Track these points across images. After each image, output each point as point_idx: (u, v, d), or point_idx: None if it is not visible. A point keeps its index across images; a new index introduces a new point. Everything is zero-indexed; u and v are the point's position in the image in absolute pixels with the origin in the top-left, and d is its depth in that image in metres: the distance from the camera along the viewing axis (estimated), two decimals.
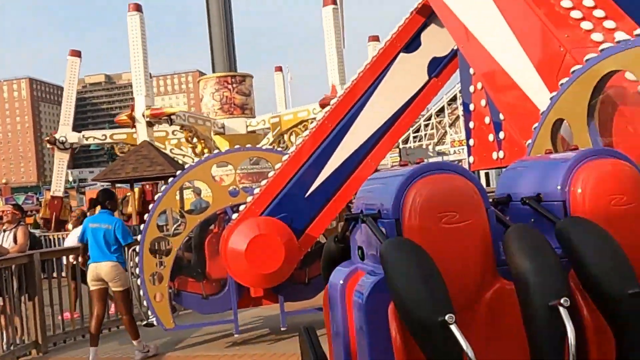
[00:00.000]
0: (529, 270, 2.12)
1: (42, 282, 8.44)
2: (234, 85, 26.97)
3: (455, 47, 7.14)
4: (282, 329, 7.38)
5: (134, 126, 22.86)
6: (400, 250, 2.14)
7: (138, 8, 22.46)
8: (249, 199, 6.94)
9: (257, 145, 25.39)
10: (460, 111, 67.08)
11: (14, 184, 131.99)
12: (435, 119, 70.67)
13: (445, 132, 69.75)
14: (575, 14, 3.69)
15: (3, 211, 8.70)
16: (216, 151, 8.18)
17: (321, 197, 6.88)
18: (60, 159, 25.72)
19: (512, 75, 4.20)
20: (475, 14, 4.71)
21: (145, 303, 7.43)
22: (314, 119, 23.55)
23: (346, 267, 2.83)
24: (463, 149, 51.87)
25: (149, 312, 7.43)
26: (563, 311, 1.98)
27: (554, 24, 3.71)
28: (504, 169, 3.28)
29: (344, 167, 6.91)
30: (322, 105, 23.61)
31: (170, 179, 7.43)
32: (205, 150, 25.43)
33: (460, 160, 49.97)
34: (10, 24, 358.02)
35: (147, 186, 20.71)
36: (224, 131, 26.76)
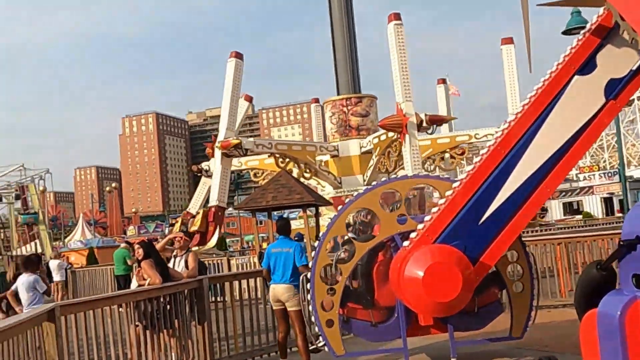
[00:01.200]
0: None
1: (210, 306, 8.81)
2: (350, 107, 27.26)
3: (634, 68, 6.86)
4: (452, 359, 7.25)
5: (213, 156, 24.61)
6: None
7: (238, 55, 24.53)
8: (420, 226, 6.92)
9: (368, 166, 25.69)
10: None
11: (141, 213, 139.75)
12: None
13: None
14: None
15: (175, 237, 9.17)
16: (383, 178, 8.21)
17: (496, 224, 6.74)
18: (204, 184, 27.79)
19: None
20: None
21: (316, 329, 7.53)
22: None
23: (618, 295, 2.72)
24: (593, 175, 49.33)
25: (320, 338, 7.53)
26: None
27: None
28: None
29: (519, 194, 6.76)
30: (381, 126, 23.38)
31: (340, 207, 7.55)
32: (307, 174, 25.93)
33: (590, 187, 47.59)
34: (137, 62, 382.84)
35: (213, 208, 22.91)
36: (338, 153, 27.13)
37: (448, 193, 6.94)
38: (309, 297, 7.40)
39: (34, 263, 9.14)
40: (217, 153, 23.73)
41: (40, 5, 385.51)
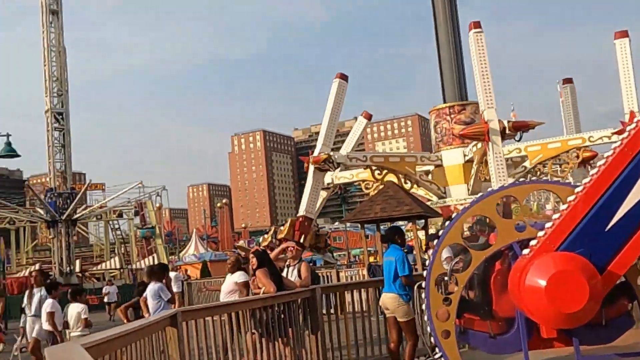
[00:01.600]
0: None
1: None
2: (453, 116, 26.82)
3: None
4: None
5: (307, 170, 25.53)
6: None
7: (342, 77, 25.53)
8: (540, 234, 6.62)
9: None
10: None
11: (250, 228, 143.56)
12: None
13: None
14: None
15: (287, 247, 9.28)
16: (492, 189, 7.94)
17: (624, 230, 6.33)
18: (319, 195, 28.44)
19: None
20: None
21: (432, 340, 7.35)
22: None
23: None
24: None
25: (436, 349, 7.35)
26: None
27: None
28: None
29: None
30: (462, 136, 22.72)
31: (454, 214, 7.36)
32: (406, 186, 25.60)
33: None
34: (245, 81, 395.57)
35: (300, 218, 24.02)
36: (441, 163, 26.69)
37: (570, 198, 6.59)
38: (423, 307, 7.25)
39: (156, 272, 9.56)
40: (311, 167, 24.60)
41: (156, 30, 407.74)
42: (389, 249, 8.09)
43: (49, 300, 10.75)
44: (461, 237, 7.31)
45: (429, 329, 7.26)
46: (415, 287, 7.44)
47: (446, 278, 7.50)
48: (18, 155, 22.92)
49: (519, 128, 22.01)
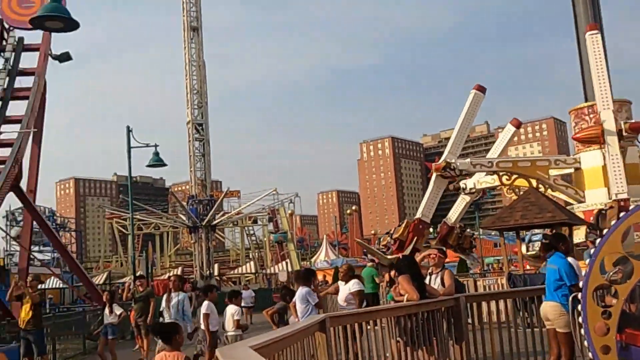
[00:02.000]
0: None
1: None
2: (592, 115, 25.47)
3: None
4: None
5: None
6: None
7: (480, 88, 25.57)
8: None
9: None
10: None
11: (380, 234, 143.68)
12: None
13: None
14: None
15: (429, 254, 9.12)
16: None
17: None
18: (463, 199, 29.04)
19: None
20: None
21: (590, 354, 6.92)
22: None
23: None
24: None
25: None
26: None
27: None
28: None
29: None
30: (575, 139, 21.06)
31: (613, 222, 6.89)
32: (542, 189, 24.42)
33: None
34: (374, 88, 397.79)
35: (415, 220, 23.95)
36: (579, 166, 25.36)
37: None
38: (579, 319, 6.84)
39: (301, 277, 9.77)
40: (434, 173, 24.80)
41: (282, 43, 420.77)
42: (553, 257, 7.81)
43: (205, 302, 11.38)
44: (621, 246, 6.83)
45: (586, 343, 6.85)
46: (570, 298, 7.05)
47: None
48: (165, 165, 24.26)
49: (637, 129, 20.90)
